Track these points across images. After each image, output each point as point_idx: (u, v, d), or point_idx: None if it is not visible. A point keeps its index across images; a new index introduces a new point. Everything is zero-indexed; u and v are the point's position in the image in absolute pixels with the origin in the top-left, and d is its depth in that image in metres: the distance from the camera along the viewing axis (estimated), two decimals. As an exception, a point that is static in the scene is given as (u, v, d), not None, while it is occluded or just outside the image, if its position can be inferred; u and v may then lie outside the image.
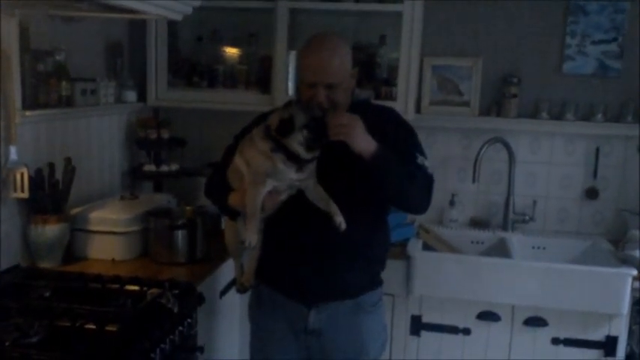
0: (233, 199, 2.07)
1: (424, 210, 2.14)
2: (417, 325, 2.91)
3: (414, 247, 2.96)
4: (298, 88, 2.16)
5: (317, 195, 2.01)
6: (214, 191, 2.21)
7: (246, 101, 3.19)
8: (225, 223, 2.26)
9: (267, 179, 1.94)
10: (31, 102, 2.40)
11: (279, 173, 1.94)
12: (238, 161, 2.05)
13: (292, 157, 1.93)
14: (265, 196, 1.97)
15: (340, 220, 1.98)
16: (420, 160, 2.07)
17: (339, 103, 2.07)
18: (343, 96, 2.08)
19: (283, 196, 2.01)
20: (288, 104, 2.15)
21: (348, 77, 2.09)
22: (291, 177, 1.96)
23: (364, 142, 1.92)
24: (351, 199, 2.05)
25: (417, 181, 2.03)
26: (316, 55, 2.05)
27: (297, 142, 1.91)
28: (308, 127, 1.90)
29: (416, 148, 2.12)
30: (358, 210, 2.07)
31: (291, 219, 2.07)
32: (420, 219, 3.31)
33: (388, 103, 2.75)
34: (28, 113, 2.33)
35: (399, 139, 2.10)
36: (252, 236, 1.95)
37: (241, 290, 2.26)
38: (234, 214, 2.13)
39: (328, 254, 2.08)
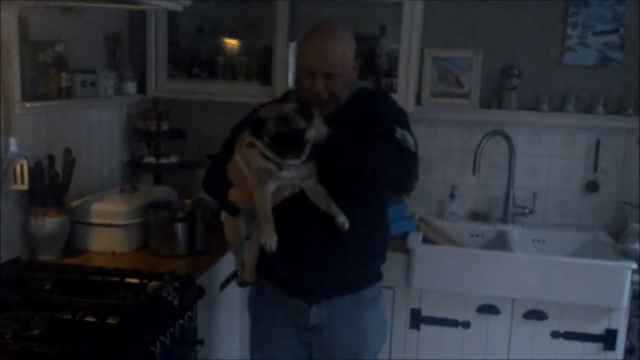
0: (233, 195, 2.04)
1: (407, 187, 2.11)
2: (417, 319, 2.91)
3: (414, 240, 2.96)
4: (298, 78, 2.13)
5: (318, 195, 1.98)
6: (214, 185, 2.18)
7: (247, 93, 3.18)
8: (224, 218, 2.24)
9: (270, 180, 1.90)
10: (30, 93, 2.40)
11: (270, 171, 1.89)
12: (238, 158, 2.01)
13: (265, 157, 1.89)
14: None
15: (343, 220, 1.96)
16: (399, 134, 2.02)
17: (338, 94, 2.05)
18: (342, 88, 2.06)
19: (286, 193, 1.98)
20: (287, 94, 2.15)
21: (349, 69, 2.06)
22: (284, 175, 1.90)
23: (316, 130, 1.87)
24: (350, 194, 2.04)
25: (391, 154, 1.96)
26: (318, 43, 2.03)
27: (263, 145, 1.87)
28: (271, 137, 1.84)
29: (399, 123, 2.06)
30: (358, 205, 2.06)
31: (291, 215, 2.04)
32: (420, 212, 3.31)
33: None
34: (27, 105, 2.32)
35: (385, 115, 2.07)
36: (271, 239, 1.90)
37: (243, 285, 2.25)
38: (234, 211, 2.11)
39: (329, 250, 2.07)
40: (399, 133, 2.02)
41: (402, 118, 2.11)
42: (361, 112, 2.06)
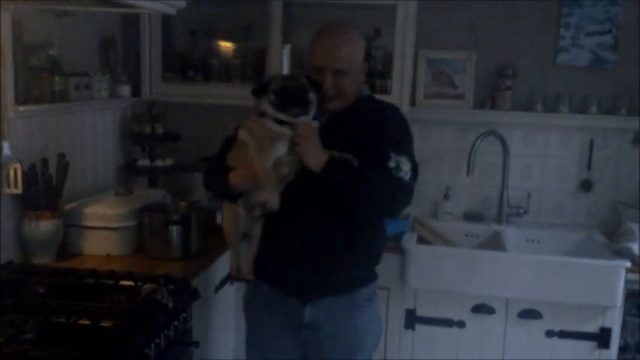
0: (234, 176, 2.03)
1: (394, 213, 2.13)
2: (412, 319, 2.92)
3: (409, 240, 2.96)
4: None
5: None
6: (214, 176, 2.16)
7: (241, 95, 3.13)
8: (224, 210, 2.22)
9: (274, 143, 1.94)
10: (24, 97, 2.39)
11: (279, 135, 1.94)
12: (242, 134, 2.03)
13: (278, 120, 1.95)
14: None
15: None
16: (393, 162, 2.00)
17: (345, 92, 2.06)
18: (350, 87, 2.07)
19: (286, 171, 1.98)
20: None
21: (357, 69, 2.09)
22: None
23: (313, 157, 1.94)
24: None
25: (380, 187, 1.98)
26: (327, 40, 2.06)
27: (266, 103, 1.96)
28: (275, 92, 1.95)
29: (397, 149, 2.03)
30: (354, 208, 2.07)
31: (287, 215, 2.05)
32: (414, 212, 3.31)
33: (383, 97, 2.75)
34: (21, 108, 2.32)
35: (385, 136, 2.06)
36: (272, 197, 1.96)
37: (235, 280, 2.25)
38: (235, 197, 2.09)
39: (325, 250, 2.07)
40: (394, 160, 2.00)
41: (402, 141, 2.09)
42: (362, 126, 2.07)
